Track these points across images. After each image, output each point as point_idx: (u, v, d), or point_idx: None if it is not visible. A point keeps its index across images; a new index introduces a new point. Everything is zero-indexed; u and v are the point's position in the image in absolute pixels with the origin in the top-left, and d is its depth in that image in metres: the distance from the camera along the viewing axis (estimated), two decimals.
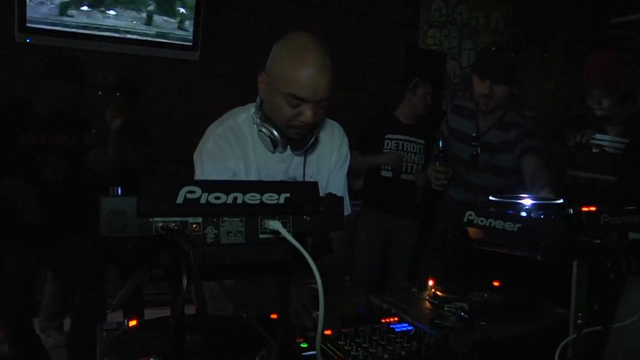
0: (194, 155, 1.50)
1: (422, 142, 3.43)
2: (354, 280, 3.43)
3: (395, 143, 3.42)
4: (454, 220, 1.23)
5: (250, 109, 1.49)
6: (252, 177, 1.47)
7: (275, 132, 1.40)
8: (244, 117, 1.49)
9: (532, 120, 2.53)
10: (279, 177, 1.51)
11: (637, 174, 2.56)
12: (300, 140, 1.45)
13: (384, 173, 3.41)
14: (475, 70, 2.40)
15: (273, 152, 1.46)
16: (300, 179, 1.51)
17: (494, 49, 2.64)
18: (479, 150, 2.34)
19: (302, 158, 1.51)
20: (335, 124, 1.66)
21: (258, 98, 1.48)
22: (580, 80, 2.83)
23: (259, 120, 1.43)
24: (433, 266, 2.76)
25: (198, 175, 1.47)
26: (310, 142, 1.47)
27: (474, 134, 2.37)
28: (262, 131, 1.42)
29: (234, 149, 1.44)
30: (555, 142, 2.91)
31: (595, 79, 2.57)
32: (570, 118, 2.96)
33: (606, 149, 2.59)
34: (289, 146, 1.47)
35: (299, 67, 1.32)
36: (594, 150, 2.63)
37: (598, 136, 2.61)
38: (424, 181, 2.85)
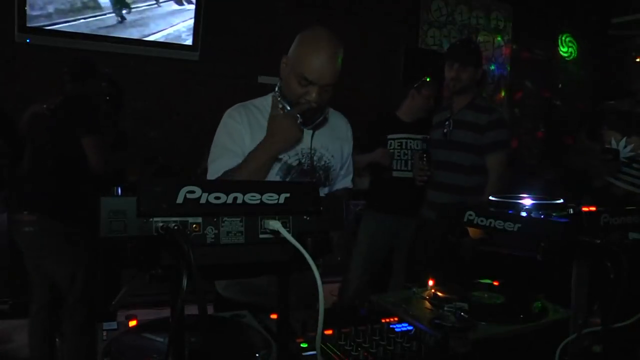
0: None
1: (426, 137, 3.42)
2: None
3: (398, 142, 3.42)
4: (454, 220, 1.22)
5: (267, 96, 1.75)
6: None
7: (288, 108, 1.63)
8: (260, 101, 1.75)
9: (500, 108, 2.82)
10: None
11: None
12: (309, 117, 1.64)
13: (396, 174, 3.40)
14: (446, 59, 2.87)
15: None
16: (307, 151, 1.71)
17: (458, 42, 3.42)
18: (451, 127, 2.79)
19: (310, 132, 1.71)
20: (343, 117, 1.90)
21: (279, 82, 1.69)
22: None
23: (279, 97, 1.66)
24: (427, 261, 2.80)
25: (211, 150, 1.67)
26: (320, 119, 1.68)
27: (448, 115, 2.84)
28: (279, 106, 1.65)
29: (244, 120, 1.67)
30: (583, 134, 2.83)
31: None
32: (612, 115, 2.72)
33: None
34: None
35: (312, 54, 1.56)
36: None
37: None
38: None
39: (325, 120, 1.71)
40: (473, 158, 2.73)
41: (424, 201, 3.02)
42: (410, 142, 3.42)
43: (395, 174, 3.41)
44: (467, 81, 2.77)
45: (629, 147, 2.54)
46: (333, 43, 1.59)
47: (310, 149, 1.71)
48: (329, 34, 1.62)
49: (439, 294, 1.42)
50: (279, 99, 1.66)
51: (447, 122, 2.80)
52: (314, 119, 1.65)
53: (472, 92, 2.83)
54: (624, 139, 2.57)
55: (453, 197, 2.77)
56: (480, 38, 5.66)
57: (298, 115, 1.59)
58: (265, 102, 1.75)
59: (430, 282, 1.49)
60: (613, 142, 2.60)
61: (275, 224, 0.83)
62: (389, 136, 3.42)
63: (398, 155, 3.40)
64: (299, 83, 1.59)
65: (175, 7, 4.20)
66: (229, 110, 1.72)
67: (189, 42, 4.26)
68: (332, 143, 1.78)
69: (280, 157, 1.64)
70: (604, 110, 2.80)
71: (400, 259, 3.54)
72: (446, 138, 2.80)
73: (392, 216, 3.42)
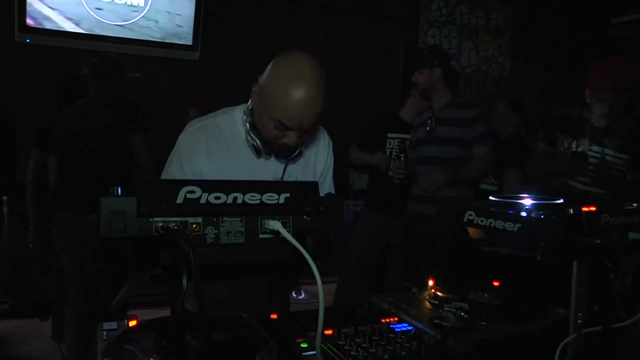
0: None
1: None
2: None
3: (397, 142, 3.43)
4: (454, 220, 1.22)
5: (235, 111, 1.52)
6: (227, 176, 1.44)
7: (259, 143, 1.43)
8: (225, 118, 1.51)
9: (477, 101, 3.11)
10: (261, 178, 1.50)
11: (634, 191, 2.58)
12: (284, 154, 1.48)
13: (392, 173, 3.42)
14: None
15: (258, 159, 1.48)
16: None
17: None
18: (433, 125, 2.90)
19: (282, 165, 1.52)
20: (322, 132, 1.65)
21: (250, 102, 1.47)
22: (580, 83, 2.76)
23: (248, 126, 1.44)
24: (424, 255, 2.84)
25: (165, 167, 1.49)
26: (294, 154, 1.50)
27: (429, 115, 2.96)
28: (248, 139, 1.45)
29: (201, 143, 1.46)
30: (540, 141, 2.98)
31: (609, 81, 2.51)
32: (563, 120, 2.93)
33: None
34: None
35: (291, 97, 1.30)
36: (591, 162, 2.61)
37: (595, 148, 2.61)
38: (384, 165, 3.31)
39: (300, 153, 1.52)
40: (459, 151, 2.88)
41: (411, 196, 3.08)
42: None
43: (392, 173, 3.42)
44: (426, 83, 2.92)
45: (579, 149, 2.66)
46: (316, 81, 1.31)
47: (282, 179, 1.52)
48: (311, 65, 1.32)
49: (439, 294, 1.42)
50: (248, 129, 1.43)
51: (429, 121, 2.93)
52: (288, 154, 1.48)
53: (448, 93, 2.95)
54: (574, 142, 2.69)
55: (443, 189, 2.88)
56: (480, 38, 5.66)
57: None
58: (231, 120, 1.50)
59: (430, 282, 1.49)
60: (565, 145, 2.72)
61: (275, 224, 0.84)
62: (389, 135, 3.43)
63: (396, 154, 3.40)
64: (275, 126, 1.35)
65: None
66: (185, 134, 1.50)
67: (189, 42, 4.26)
68: (304, 170, 1.58)
69: None
70: (556, 116, 2.98)
71: (396, 258, 3.54)
72: (430, 135, 2.92)
73: (387, 215, 3.43)
